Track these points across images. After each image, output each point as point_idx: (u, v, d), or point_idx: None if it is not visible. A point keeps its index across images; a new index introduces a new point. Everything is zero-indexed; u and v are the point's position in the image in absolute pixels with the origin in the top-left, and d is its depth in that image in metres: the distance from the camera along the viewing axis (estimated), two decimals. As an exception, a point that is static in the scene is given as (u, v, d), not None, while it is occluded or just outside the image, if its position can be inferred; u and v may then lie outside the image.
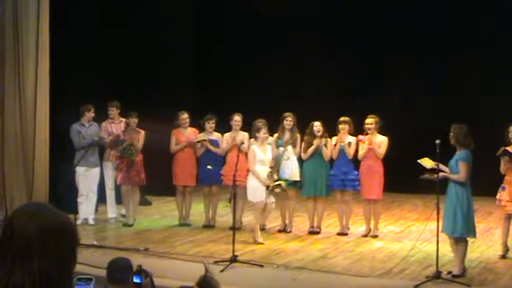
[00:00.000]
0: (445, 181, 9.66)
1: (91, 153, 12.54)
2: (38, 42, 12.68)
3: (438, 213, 9.49)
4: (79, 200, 12.66)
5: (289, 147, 12.39)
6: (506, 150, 10.55)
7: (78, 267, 2.31)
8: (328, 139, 12.31)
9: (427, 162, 9.84)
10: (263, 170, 11.51)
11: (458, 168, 9.52)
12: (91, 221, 12.99)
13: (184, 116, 13.02)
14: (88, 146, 12.42)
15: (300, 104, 13.82)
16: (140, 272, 5.19)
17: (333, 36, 16.53)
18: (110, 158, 13.25)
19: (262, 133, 11.62)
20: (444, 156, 9.63)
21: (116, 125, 13.23)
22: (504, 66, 15.20)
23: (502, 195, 10.71)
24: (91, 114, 12.92)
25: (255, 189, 11.54)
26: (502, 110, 13.52)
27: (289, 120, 12.51)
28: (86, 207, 12.89)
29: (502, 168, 10.70)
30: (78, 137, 12.77)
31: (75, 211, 11.53)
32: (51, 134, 12.91)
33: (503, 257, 10.69)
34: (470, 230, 9.64)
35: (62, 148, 12.94)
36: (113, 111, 13.22)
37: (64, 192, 12.37)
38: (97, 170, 13.04)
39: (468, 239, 9.73)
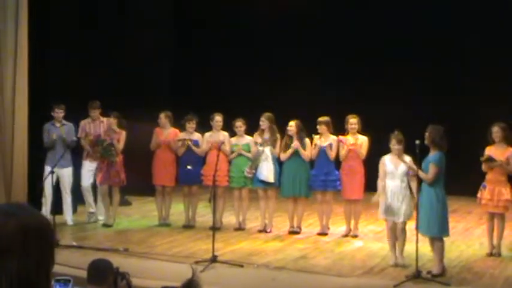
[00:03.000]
0: (420, 181, 9.71)
1: (60, 154, 12.37)
2: (16, 44, 12.56)
3: (418, 213, 9.55)
4: (42, 200, 12.44)
5: (267, 148, 12.37)
6: (491, 157, 10.60)
7: (58, 268, 2.30)
8: (307, 139, 12.31)
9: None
10: (393, 186, 10.22)
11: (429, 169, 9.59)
12: (69, 222, 12.92)
13: (160, 116, 12.97)
14: (63, 145, 12.39)
15: (283, 104, 13.80)
16: (117, 274, 5.17)
17: (315, 36, 16.56)
18: (87, 158, 13.12)
19: (393, 144, 10.24)
20: (423, 156, 9.68)
21: (95, 125, 13.13)
22: (491, 67, 15.28)
23: (483, 193, 10.75)
24: (55, 114, 12.74)
25: (389, 205, 10.25)
26: (484, 111, 13.56)
27: (262, 121, 12.48)
28: (49, 208, 12.55)
29: (484, 166, 10.75)
30: (48, 136, 12.69)
31: (54, 212, 11.45)
32: (30, 134, 12.79)
33: (491, 254, 10.74)
34: (444, 229, 9.69)
35: (41, 149, 12.84)
36: (95, 113, 13.10)
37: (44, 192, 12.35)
38: (68, 170, 12.79)
39: (445, 238, 9.77)
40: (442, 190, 9.61)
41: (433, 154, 9.64)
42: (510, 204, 10.76)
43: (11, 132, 12.64)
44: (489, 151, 10.75)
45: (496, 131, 10.72)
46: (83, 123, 13.15)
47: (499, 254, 10.74)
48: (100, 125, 13.07)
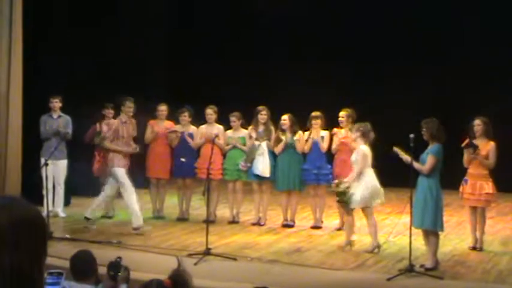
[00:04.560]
0: (416, 174, 9.72)
1: (56, 146, 12.31)
2: (10, 36, 12.53)
3: (412, 207, 9.56)
4: (44, 192, 12.36)
5: (263, 143, 12.38)
6: (471, 142, 10.61)
7: (50, 260, 2.30)
8: (300, 132, 12.33)
9: (402, 152, 9.95)
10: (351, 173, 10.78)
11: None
12: (61, 214, 12.88)
13: (161, 108, 12.97)
14: (58, 137, 12.35)
15: (281, 101, 13.79)
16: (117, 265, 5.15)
17: (316, 34, 16.58)
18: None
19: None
20: (418, 151, 9.68)
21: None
22: (492, 65, 15.35)
23: (465, 188, 10.81)
24: (52, 104, 12.71)
25: (373, 192, 10.73)
26: (485, 108, 13.60)
27: (263, 114, 12.50)
28: (50, 200, 12.49)
29: (465, 160, 10.77)
30: (44, 127, 12.65)
31: (47, 204, 11.44)
32: (24, 127, 12.76)
33: (474, 248, 10.78)
34: (438, 223, 9.68)
35: (36, 141, 12.81)
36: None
37: (38, 184, 12.30)
38: (63, 162, 12.76)
39: (440, 232, 9.79)
40: (437, 183, 9.61)
41: (432, 146, 9.65)
42: (491, 198, 10.81)
43: (4, 125, 12.60)
44: None
45: (477, 123, 10.75)
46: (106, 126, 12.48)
47: (481, 249, 10.78)
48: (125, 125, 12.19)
